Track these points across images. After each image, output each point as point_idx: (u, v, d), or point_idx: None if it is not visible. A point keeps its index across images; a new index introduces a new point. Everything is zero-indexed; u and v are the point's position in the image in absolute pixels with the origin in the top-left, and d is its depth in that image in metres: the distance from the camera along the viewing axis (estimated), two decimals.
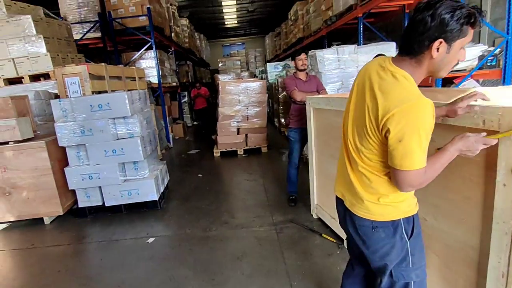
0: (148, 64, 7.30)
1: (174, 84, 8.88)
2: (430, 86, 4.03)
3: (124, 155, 3.72)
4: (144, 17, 6.73)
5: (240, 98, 6.55)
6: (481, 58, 4.35)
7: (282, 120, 7.65)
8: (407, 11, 5.58)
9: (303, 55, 3.60)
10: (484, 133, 1.23)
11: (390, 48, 4.38)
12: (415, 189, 1.27)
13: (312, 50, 4.55)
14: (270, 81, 8.78)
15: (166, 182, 4.48)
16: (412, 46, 1.18)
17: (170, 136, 7.99)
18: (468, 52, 4.39)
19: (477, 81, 4.54)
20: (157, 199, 3.91)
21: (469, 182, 1.49)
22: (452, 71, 4.37)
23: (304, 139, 3.57)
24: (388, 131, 1.14)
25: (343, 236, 2.69)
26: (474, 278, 1.51)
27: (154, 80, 7.32)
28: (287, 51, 11.48)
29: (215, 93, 8.65)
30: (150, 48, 7.09)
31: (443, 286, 1.71)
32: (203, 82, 12.69)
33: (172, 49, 8.92)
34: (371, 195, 1.33)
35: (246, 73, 11.52)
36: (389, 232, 1.33)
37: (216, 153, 6.63)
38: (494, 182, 1.34)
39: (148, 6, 6.65)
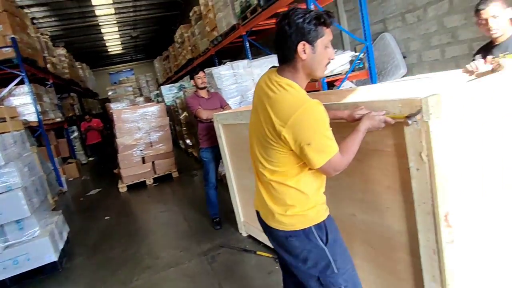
0: (22, 100, 6.17)
1: (59, 119, 7.78)
2: (318, 90, 4.43)
3: (1, 215, 2.97)
4: (9, 49, 5.70)
5: (140, 124, 6.09)
6: (351, 62, 5.03)
7: (188, 141, 7.40)
8: None
9: (201, 73, 3.50)
10: (384, 111, 1.40)
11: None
12: (343, 169, 1.34)
13: (208, 68, 4.52)
14: (167, 104, 8.45)
15: (65, 235, 3.76)
16: (284, 54, 1.29)
17: (62, 178, 6.89)
18: (341, 59, 5.04)
19: (352, 81, 5.22)
20: (56, 259, 3.23)
21: (386, 173, 1.59)
22: (332, 75, 4.96)
23: (217, 157, 3.45)
24: (292, 139, 1.22)
25: None
26: (409, 261, 1.60)
27: (32, 118, 6.22)
28: (178, 73, 11.36)
29: (110, 124, 7.85)
30: (21, 82, 6.03)
31: (383, 275, 1.78)
32: (93, 114, 11.47)
33: (51, 81, 7.80)
34: (279, 207, 1.36)
35: (141, 99, 10.86)
36: (302, 240, 1.35)
37: (122, 188, 5.97)
38: (408, 169, 1.45)
39: (13, 36, 5.66)
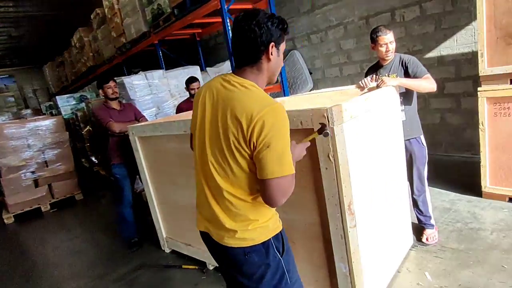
0: None
1: None
2: None
3: None
4: None
5: (30, 142, 5.31)
6: None
7: (93, 159, 6.74)
8: (198, 38, 6.17)
9: (112, 83, 3.31)
10: (307, 140, 1.45)
11: (195, 71, 4.71)
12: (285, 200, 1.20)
13: (119, 77, 4.27)
14: (65, 117, 7.55)
15: None
16: (249, 55, 1.23)
17: None
18: None
19: (268, 94, 5.60)
20: None
21: (302, 174, 1.82)
22: None
23: (132, 173, 3.30)
24: (254, 136, 1.13)
25: (204, 258, 2.67)
26: (323, 248, 1.86)
27: None
28: (77, 82, 10.19)
29: None
30: None
31: (304, 266, 1.98)
32: None
33: None
34: (240, 223, 1.25)
35: (28, 111, 9.43)
36: (261, 254, 1.27)
37: (8, 219, 5.09)
38: (319, 168, 1.70)
39: None
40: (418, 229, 2.58)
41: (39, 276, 3.23)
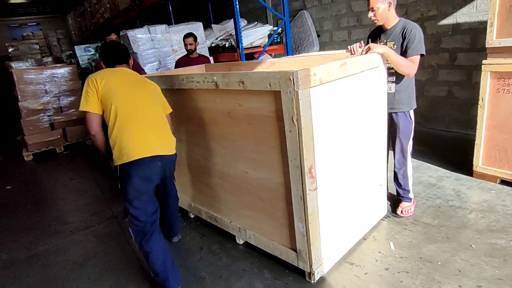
0: None
1: None
2: (237, 60, 4.63)
3: None
4: None
5: (47, 87, 5.57)
6: (269, 36, 5.27)
7: None
8: None
9: (113, 35, 3.39)
10: None
11: (198, 28, 4.66)
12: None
13: (124, 30, 4.30)
14: (82, 66, 7.73)
15: None
16: (125, 59, 2.16)
17: None
18: (260, 31, 5.26)
19: (270, 55, 5.50)
20: None
21: (269, 135, 1.86)
22: (252, 47, 5.16)
23: None
24: None
25: (186, 207, 2.84)
26: (285, 207, 1.94)
27: None
28: (96, 33, 10.26)
29: (9, 85, 6.93)
30: None
31: (269, 222, 2.10)
32: None
33: None
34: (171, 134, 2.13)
35: (49, 59, 9.70)
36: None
37: (28, 156, 5.49)
38: (284, 130, 1.73)
39: None
40: (396, 201, 2.60)
41: (47, 207, 3.57)
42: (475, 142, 2.85)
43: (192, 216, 2.88)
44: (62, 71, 5.76)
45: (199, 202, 2.72)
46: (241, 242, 2.42)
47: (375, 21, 2.28)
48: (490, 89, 2.66)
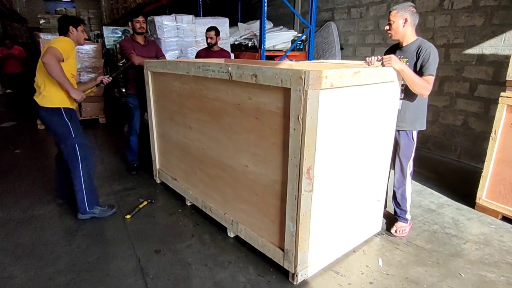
0: None
1: None
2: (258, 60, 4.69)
3: None
4: None
5: None
6: (293, 41, 5.30)
7: (123, 90, 7.12)
8: None
9: (141, 18, 3.45)
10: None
11: (224, 23, 4.74)
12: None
13: (152, 16, 4.40)
14: (107, 47, 7.91)
15: None
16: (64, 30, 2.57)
17: None
18: (284, 36, 5.30)
19: (291, 60, 5.52)
20: None
21: (274, 131, 1.87)
22: (274, 50, 5.20)
23: (144, 105, 3.49)
24: None
25: (185, 194, 2.88)
26: (278, 205, 1.94)
27: None
28: (126, 17, 10.48)
29: (36, 55, 7.14)
30: None
31: (260, 217, 2.11)
32: (18, 41, 10.24)
33: None
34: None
35: None
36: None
37: (41, 125, 5.63)
38: (289, 128, 1.74)
39: None
40: (392, 220, 2.57)
41: (50, 174, 3.63)
42: (482, 174, 2.80)
43: (189, 204, 2.91)
44: (87, 47, 5.91)
45: (197, 191, 2.75)
46: (232, 235, 2.43)
47: (389, 34, 2.30)
48: (504, 122, 2.63)
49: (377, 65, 2.16)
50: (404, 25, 2.23)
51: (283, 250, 1.94)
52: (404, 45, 2.31)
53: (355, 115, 1.96)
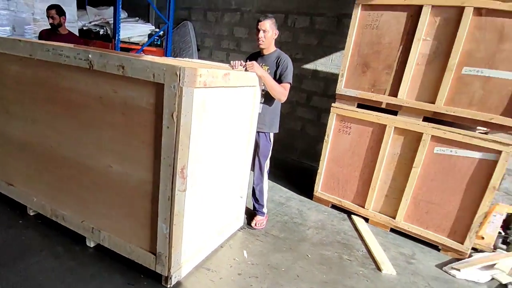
0: None
1: None
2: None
3: None
4: None
5: None
6: (150, 36, 5.10)
7: None
8: None
9: None
10: None
11: (70, 3, 4.06)
12: None
13: None
14: None
15: None
16: None
17: None
18: (141, 28, 5.03)
19: (148, 55, 5.28)
20: None
21: (144, 128, 1.73)
22: (129, 42, 4.85)
23: None
24: None
25: (27, 202, 2.33)
26: (149, 207, 1.81)
27: None
28: None
29: None
30: None
31: (129, 222, 1.91)
32: None
33: None
34: None
35: None
36: None
37: None
38: (162, 126, 1.65)
39: None
40: (251, 215, 2.80)
41: None
42: (318, 171, 3.41)
43: (32, 214, 2.36)
44: None
45: (44, 197, 2.24)
46: (92, 244, 2.11)
47: (261, 43, 2.48)
48: (334, 129, 3.27)
49: (240, 69, 2.31)
50: (273, 37, 2.48)
51: (155, 254, 1.82)
52: (265, 53, 2.55)
53: (223, 115, 2.04)
